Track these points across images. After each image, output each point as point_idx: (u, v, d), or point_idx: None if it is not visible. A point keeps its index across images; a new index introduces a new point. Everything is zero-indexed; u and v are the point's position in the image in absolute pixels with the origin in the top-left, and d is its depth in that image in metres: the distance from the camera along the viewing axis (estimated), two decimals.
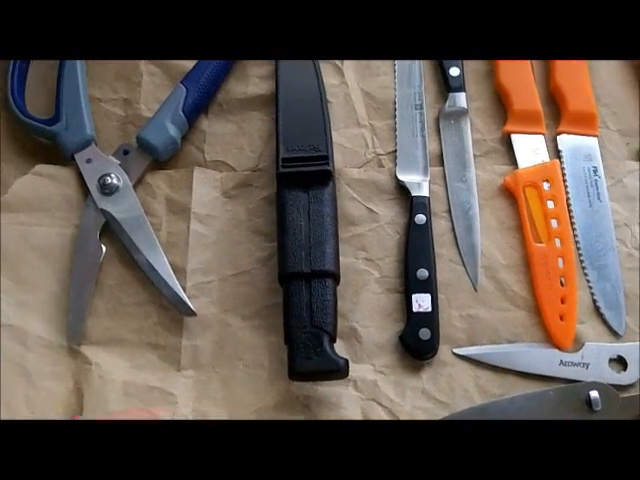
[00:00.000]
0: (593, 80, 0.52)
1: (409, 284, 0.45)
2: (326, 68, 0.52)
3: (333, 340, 0.41)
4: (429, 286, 0.45)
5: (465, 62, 0.52)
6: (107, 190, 0.46)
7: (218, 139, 0.50)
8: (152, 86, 0.51)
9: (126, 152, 0.48)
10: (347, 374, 0.41)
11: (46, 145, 0.49)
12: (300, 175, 0.45)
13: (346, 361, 0.40)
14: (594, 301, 0.46)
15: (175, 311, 0.44)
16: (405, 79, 0.52)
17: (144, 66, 0.52)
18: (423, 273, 0.45)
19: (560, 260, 0.46)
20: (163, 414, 0.41)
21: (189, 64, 0.51)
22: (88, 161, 0.47)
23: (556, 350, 0.44)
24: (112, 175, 0.46)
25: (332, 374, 0.41)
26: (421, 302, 0.44)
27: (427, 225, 0.47)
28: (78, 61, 0.50)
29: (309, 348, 0.40)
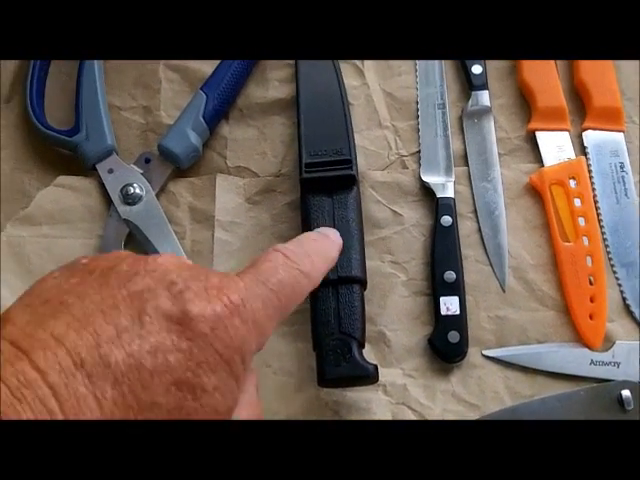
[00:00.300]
0: (618, 74, 0.51)
1: (436, 287, 0.45)
2: (346, 69, 0.51)
3: (362, 346, 0.41)
4: (457, 288, 0.44)
5: (487, 60, 0.52)
6: (130, 200, 0.46)
7: (240, 145, 0.50)
8: (171, 93, 0.51)
9: (147, 160, 0.48)
10: (377, 379, 0.40)
11: (67, 155, 0.49)
12: (324, 180, 0.44)
13: (375, 367, 0.40)
14: (624, 299, 0.45)
15: None
16: (426, 78, 0.52)
17: (162, 73, 0.51)
18: (450, 275, 0.45)
19: (588, 258, 0.46)
20: None
21: (208, 70, 0.51)
22: (110, 171, 0.47)
23: (586, 349, 0.44)
24: (135, 185, 0.46)
25: (362, 380, 0.40)
26: (449, 305, 0.44)
27: (453, 227, 0.46)
28: (97, 69, 0.49)
29: (338, 355, 0.40)
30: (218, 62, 0.51)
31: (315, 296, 0.42)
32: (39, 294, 0.27)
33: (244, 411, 0.29)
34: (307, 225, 0.44)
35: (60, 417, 0.23)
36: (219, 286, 0.28)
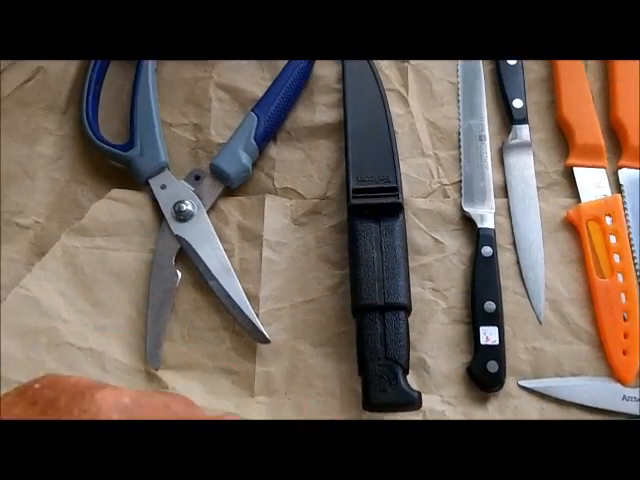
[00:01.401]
0: None
1: (476, 316, 0.46)
2: (391, 97, 0.52)
3: (406, 372, 0.42)
4: (496, 319, 0.46)
5: (527, 94, 0.53)
6: (182, 216, 0.47)
7: (287, 166, 0.51)
8: (221, 112, 0.52)
9: (197, 177, 0.49)
10: (420, 407, 0.42)
11: (120, 168, 0.50)
12: (371, 207, 0.46)
13: (419, 394, 0.41)
14: None
15: (247, 337, 0.45)
16: (469, 110, 0.53)
17: (213, 92, 0.53)
18: (490, 306, 0.46)
19: (623, 295, 0.47)
20: None
21: (257, 91, 0.52)
22: (162, 187, 0.48)
23: (619, 385, 0.45)
24: (187, 201, 0.47)
25: (406, 407, 0.41)
26: (489, 335, 0.45)
27: (493, 257, 0.47)
28: (151, 85, 0.50)
29: (384, 380, 0.41)
30: (268, 84, 0.52)
31: (362, 321, 0.43)
32: None
33: None
34: (354, 249, 0.45)
35: None
36: None
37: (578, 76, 0.54)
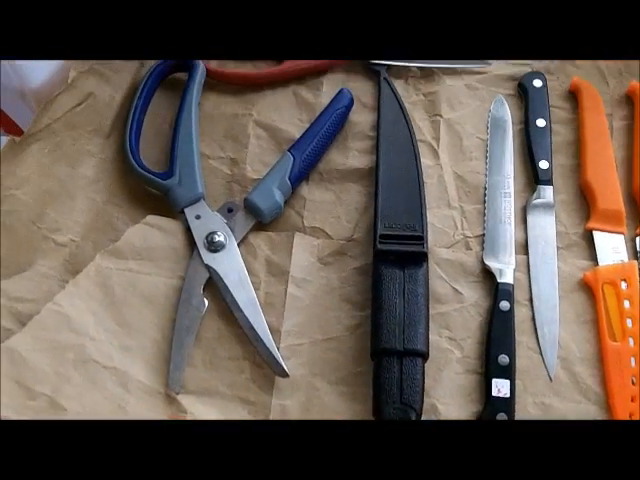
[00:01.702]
0: None
1: (490, 368, 0.47)
2: (422, 148, 0.54)
3: (419, 416, 0.43)
4: (509, 372, 0.47)
5: (553, 155, 0.55)
6: (213, 247, 0.48)
7: (317, 206, 0.53)
8: (258, 149, 0.54)
9: (230, 210, 0.51)
10: None
11: (155, 194, 0.52)
12: (397, 253, 0.47)
13: None
14: None
15: (266, 369, 0.46)
16: (496, 167, 0.55)
17: (252, 129, 0.55)
18: (504, 359, 0.47)
19: (633, 359, 0.48)
20: None
21: (294, 131, 0.54)
22: (197, 217, 0.49)
23: None
24: (219, 233, 0.49)
25: None
26: (501, 387, 0.46)
27: (510, 312, 0.49)
28: (194, 118, 0.52)
29: None
30: (304, 125, 0.54)
31: (380, 364, 0.44)
32: None
33: None
34: (378, 293, 0.46)
35: None
36: None
37: (603, 142, 0.56)
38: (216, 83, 0.57)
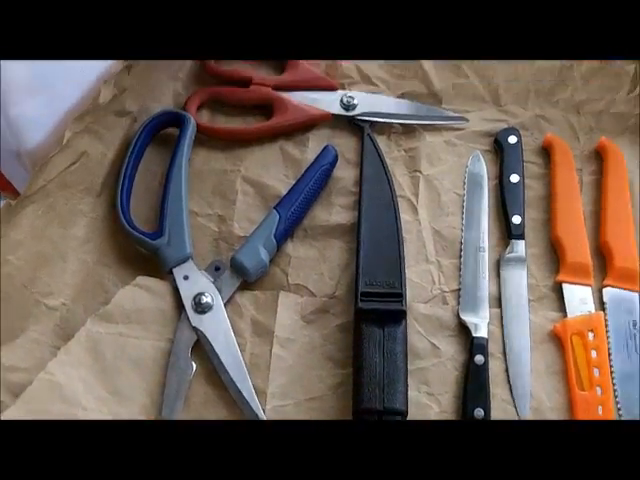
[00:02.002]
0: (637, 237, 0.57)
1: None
2: (402, 204, 0.57)
3: None
4: None
5: (526, 210, 0.57)
6: (201, 309, 0.50)
7: (301, 263, 0.54)
8: (245, 205, 0.56)
9: (217, 268, 0.52)
10: None
11: (144, 254, 0.53)
12: (377, 312, 0.49)
13: None
14: None
15: None
16: (471, 222, 0.57)
17: (240, 185, 0.57)
18: (479, 412, 0.50)
19: (600, 407, 0.51)
20: None
21: (280, 187, 0.56)
22: (185, 277, 0.51)
23: None
24: (207, 294, 0.50)
25: None
26: None
27: (485, 366, 0.51)
28: (183, 177, 0.54)
29: None
30: (290, 181, 0.56)
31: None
32: None
33: None
34: (359, 352, 0.48)
35: None
36: None
37: (573, 197, 0.59)
38: (206, 138, 0.59)
